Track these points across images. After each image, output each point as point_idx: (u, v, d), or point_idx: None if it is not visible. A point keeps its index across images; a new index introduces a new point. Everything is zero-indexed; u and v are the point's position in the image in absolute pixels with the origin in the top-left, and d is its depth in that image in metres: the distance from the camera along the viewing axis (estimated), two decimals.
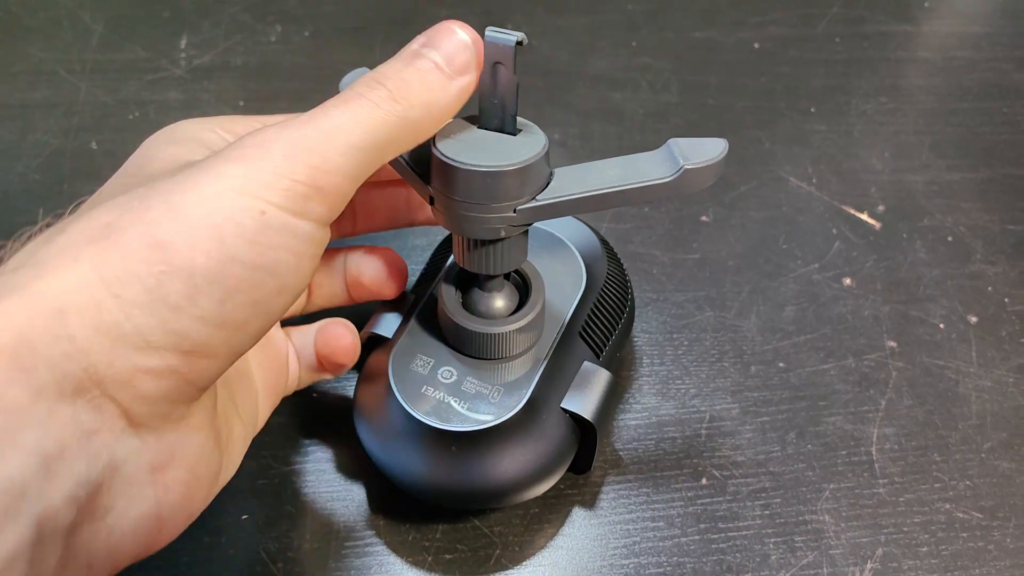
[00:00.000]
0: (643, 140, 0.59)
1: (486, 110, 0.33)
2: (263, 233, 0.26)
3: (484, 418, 0.36)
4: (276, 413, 0.43)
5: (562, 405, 0.37)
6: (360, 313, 0.42)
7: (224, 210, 0.26)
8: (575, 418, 0.38)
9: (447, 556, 0.39)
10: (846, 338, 0.47)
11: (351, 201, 0.38)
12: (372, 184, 0.39)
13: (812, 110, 0.62)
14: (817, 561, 0.39)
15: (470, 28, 0.31)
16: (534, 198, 0.33)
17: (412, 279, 0.44)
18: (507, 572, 0.39)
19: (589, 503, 0.41)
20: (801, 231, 0.53)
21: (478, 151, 0.31)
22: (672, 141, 0.33)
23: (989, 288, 0.50)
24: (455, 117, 0.32)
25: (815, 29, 0.69)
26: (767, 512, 0.40)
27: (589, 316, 0.40)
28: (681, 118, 0.61)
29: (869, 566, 0.39)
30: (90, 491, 0.25)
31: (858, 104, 0.62)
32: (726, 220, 0.54)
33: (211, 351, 0.26)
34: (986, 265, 0.51)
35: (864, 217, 0.54)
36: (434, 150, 0.32)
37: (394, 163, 0.34)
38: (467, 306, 0.38)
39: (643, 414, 0.44)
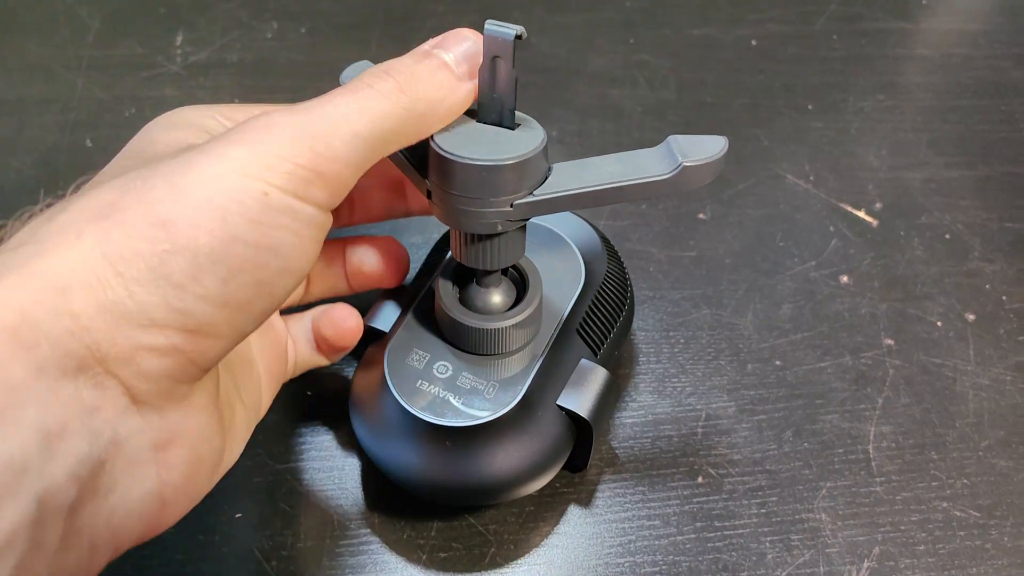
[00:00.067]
0: (641, 137, 0.59)
1: (485, 104, 0.32)
2: (266, 213, 0.26)
3: (479, 414, 0.36)
4: (270, 410, 0.43)
5: (558, 402, 0.37)
6: (356, 304, 0.41)
7: (227, 190, 0.26)
8: (571, 416, 0.37)
9: (442, 554, 0.39)
10: (843, 336, 0.47)
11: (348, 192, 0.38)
12: (370, 174, 0.39)
13: (810, 107, 0.62)
14: (814, 560, 0.39)
15: (481, 35, 0.31)
16: (531, 193, 0.32)
17: (411, 274, 0.43)
18: (502, 570, 0.38)
19: (585, 501, 0.41)
20: (798, 229, 0.53)
21: (476, 145, 0.31)
22: (672, 138, 0.33)
23: (987, 286, 0.50)
24: None
25: (813, 26, 0.69)
26: (763, 511, 0.40)
27: (587, 313, 0.40)
28: (679, 115, 0.61)
29: (866, 565, 0.39)
30: (92, 469, 0.25)
31: (856, 101, 0.62)
32: (723, 218, 0.54)
33: (214, 330, 0.26)
34: (984, 263, 0.51)
35: (861, 215, 0.54)
36: (432, 143, 0.32)
37: (392, 156, 0.34)
38: (464, 301, 0.38)
39: (639, 412, 0.44)
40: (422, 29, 0.66)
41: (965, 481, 0.42)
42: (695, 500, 0.41)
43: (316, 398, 0.44)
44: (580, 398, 0.37)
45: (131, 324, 0.25)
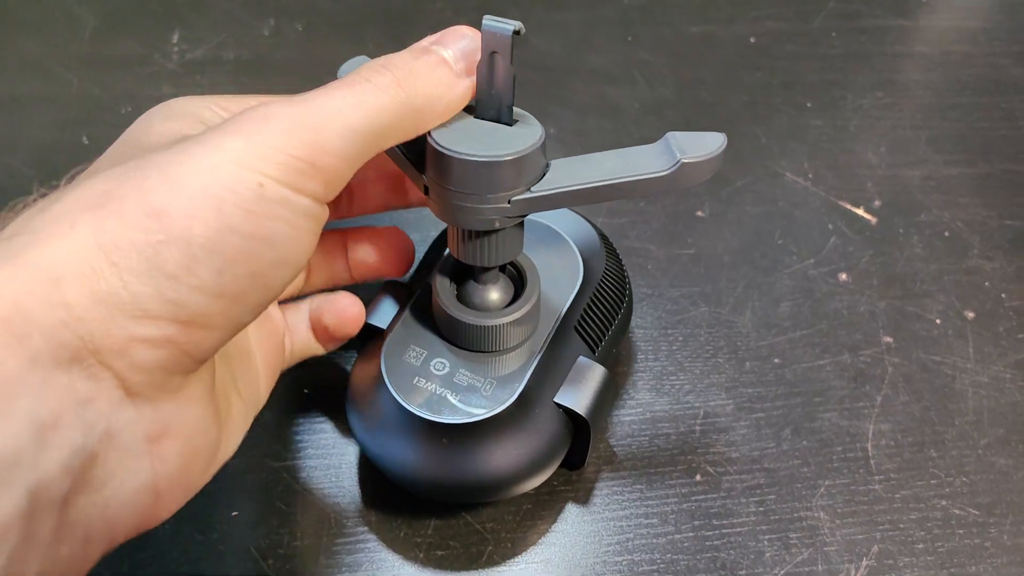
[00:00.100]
0: (639, 135, 0.59)
1: (482, 99, 0.32)
2: (261, 204, 0.26)
3: (476, 411, 0.35)
4: (267, 408, 0.42)
5: (556, 400, 0.37)
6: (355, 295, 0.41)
7: (222, 180, 0.26)
8: (569, 413, 0.37)
9: (439, 552, 0.39)
10: (842, 334, 0.47)
11: (347, 184, 0.38)
12: (369, 167, 0.39)
13: (808, 105, 0.61)
14: (812, 558, 0.39)
15: (479, 32, 0.31)
16: (529, 189, 0.32)
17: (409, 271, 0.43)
18: (499, 568, 0.38)
19: (582, 499, 0.40)
20: (797, 226, 0.53)
21: (473, 141, 0.31)
22: (670, 134, 0.33)
23: (986, 283, 0.50)
24: None
25: (811, 24, 0.68)
26: (762, 509, 0.40)
27: (585, 311, 0.40)
28: (677, 113, 0.61)
29: (864, 563, 0.39)
30: (85, 461, 0.25)
31: (854, 99, 0.62)
32: (722, 215, 0.53)
33: (209, 322, 0.26)
34: (983, 260, 0.51)
35: (860, 212, 0.54)
36: (429, 139, 0.31)
37: (389, 151, 0.34)
38: (462, 298, 0.38)
39: (637, 410, 0.44)
40: (420, 27, 0.65)
41: (964, 479, 0.41)
42: (693, 498, 0.41)
43: (313, 396, 0.44)
44: (578, 396, 0.37)
45: (125, 315, 0.24)
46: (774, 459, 0.42)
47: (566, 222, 0.43)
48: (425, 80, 0.30)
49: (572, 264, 0.41)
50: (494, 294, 0.37)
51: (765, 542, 0.39)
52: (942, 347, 0.47)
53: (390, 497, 0.40)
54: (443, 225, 0.45)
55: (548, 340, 0.38)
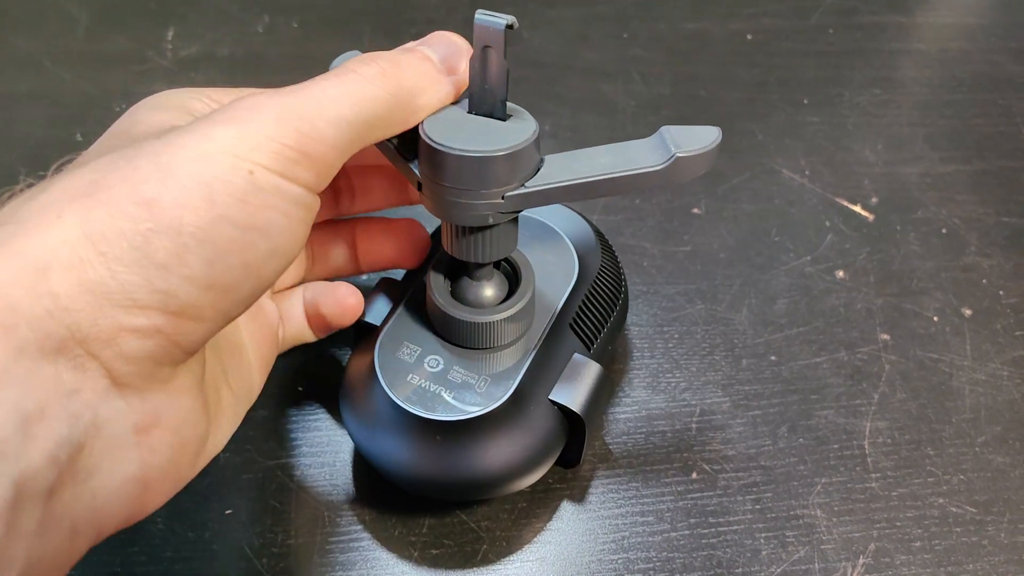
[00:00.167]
0: (635, 132, 0.59)
1: (476, 94, 0.32)
2: (253, 193, 0.26)
3: (470, 408, 0.35)
4: (260, 407, 0.42)
5: (550, 397, 0.37)
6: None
7: (214, 169, 0.26)
8: (564, 410, 0.37)
9: (433, 551, 0.38)
10: (839, 331, 0.47)
11: (349, 180, 0.39)
12: (369, 163, 0.39)
13: (805, 102, 0.61)
14: (809, 556, 0.38)
15: (463, 38, 0.33)
16: (523, 184, 0.32)
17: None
18: (494, 567, 0.38)
19: (578, 497, 0.40)
20: (793, 223, 0.53)
21: (466, 136, 0.31)
22: (664, 129, 0.32)
23: (983, 281, 0.50)
24: None
25: (808, 20, 0.68)
26: (758, 507, 0.40)
27: (580, 308, 0.40)
28: (673, 110, 0.60)
29: (861, 561, 0.38)
30: (71, 452, 0.24)
31: (851, 96, 0.62)
32: (718, 212, 0.53)
33: (198, 313, 0.26)
34: (980, 258, 0.51)
35: (857, 209, 0.54)
36: (422, 134, 0.31)
37: (382, 147, 0.34)
38: (456, 295, 0.37)
39: (633, 408, 0.44)
40: (415, 23, 0.66)
41: (961, 477, 0.41)
42: (689, 496, 0.40)
43: (307, 393, 0.44)
44: (573, 393, 0.37)
45: (113, 305, 0.24)
46: (770, 457, 0.42)
47: (561, 218, 0.43)
48: (411, 73, 0.31)
49: (567, 260, 0.41)
50: (488, 291, 0.37)
51: (761, 540, 0.39)
52: (939, 344, 0.47)
53: (384, 495, 0.40)
54: (436, 220, 0.44)
55: (543, 337, 0.38)
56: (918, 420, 0.43)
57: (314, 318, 0.39)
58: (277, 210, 0.27)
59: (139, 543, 0.38)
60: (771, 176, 0.56)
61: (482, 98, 0.32)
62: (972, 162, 0.57)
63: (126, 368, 0.25)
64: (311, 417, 0.43)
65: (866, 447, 0.42)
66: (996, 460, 0.42)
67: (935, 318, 0.48)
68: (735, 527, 0.39)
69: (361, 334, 0.40)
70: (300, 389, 0.44)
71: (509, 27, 0.30)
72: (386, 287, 0.41)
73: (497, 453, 0.35)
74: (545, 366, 0.37)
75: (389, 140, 0.33)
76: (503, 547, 0.39)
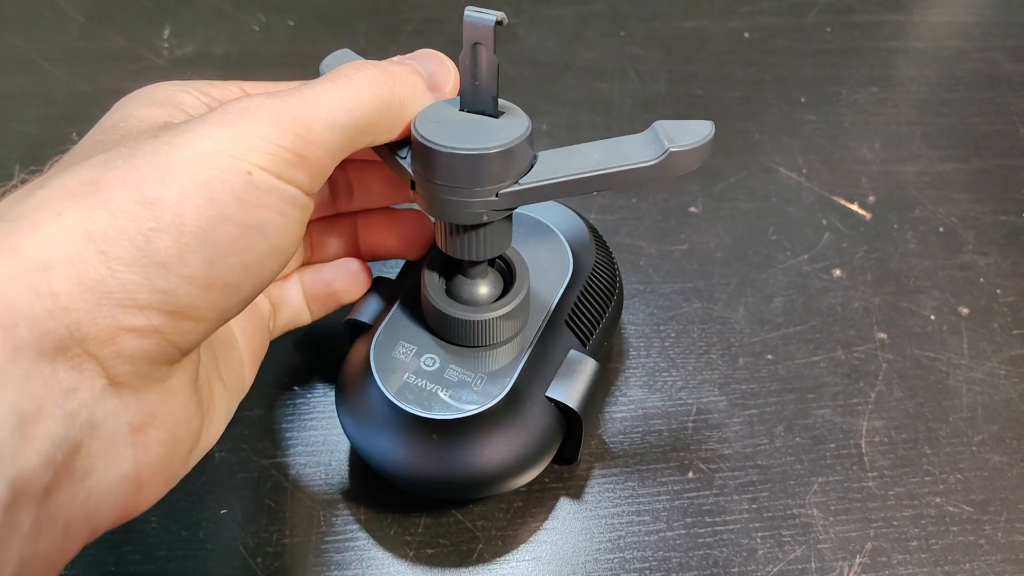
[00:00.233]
0: (631, 130, 0.58)
1: (467, 92, 0.32)
2: (251, 192, 0.26)
3: (466, 406, 0.35)
4: (255, 406, 0.42)
5: (547, 394, 0.37)
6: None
7: (213, 169, 0.26)
8: (560, 407, 0.37)
9: (429, 551, 0.38)
10: (836, 330, 0.47)
11: (347, 177, 0.38)
12: (367, 160, 0.39)
13: (802, 100, 0.61)
14: (805, 555, 0.38)
15: (450, 59, 0.34)
16: (517, 182, 0.32)
17: (399, 267, 0.43)
18: (490, 566, 0.38)
19: (574, 496, 0.40)
20: (791, 222, 0.53)
21: (459, 133, 0.31)
22: (658, 123, 0.32)
23: (981, 279, 0.50)
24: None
25: (805, 19, 0.68)
26: (754, 506, 0.40)
27: (576, 304, 0.40)
28: (669, 108, 0.60)
29: (858, 560, 0.38)
30: (67, 452, 0.24)
31: (849, 94, 0.62)
32: (715, 211, 0.53)
33: (197, 313, 0.26)
34: (978, 256, 0.51)
35: (854, 208, 0.54)
36: (414, 132, 0.31)
37: (375, 147, 0.34)
38: (451, 293, 0.37)
39: (629, 407, 0.43)
40: (410, 21, 0.66)
41: (958, 476, 0.41)
42: (686, 495, 0.40)
43: (301, 392, 0.43)
44: (569, 389, 0.37)
45: (112, 304, 0.24)
46: (767, 456, 0.42)
47: (555, 215, 0.43)
48: (402, 83, 0.31)
49: (562, 257, 0.41)
50: (483, 288, 0.37)
51: (758, 539, 0.39)
52: (936, 343, 0.46)
53: (380, 494, 0.40)
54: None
55: (538, 334, 0.38)
56: (915, 419, 0.43)
57: (320, 298, 0.40)
58: (274, 209, 0.27)
59: (133, 542, 0.38)
60: (768, 175, 0.56)
61: (473, 95, 0.32)
62: (969, 161, 0.57)
63: (123, 367, 0.25)
64: (306, 416, 0.43)
65: (863, 446, 0.42)
66: (993, 459, 0.42)
67: (932, 317, 0.48)
68: (731, 526, 0.39)
69: (356, 333, 0.40)
70: (295, 388, 0.44)
71: (498, 23, 0.30)
72: (380, 286, 0.41)
73: (494, 451, 0.35)
74: (541, 363, 0.37)
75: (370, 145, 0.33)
76: (499, 546, 0.38)
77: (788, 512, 0.40)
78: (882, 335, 0.47)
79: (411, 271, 0.41)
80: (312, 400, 0.43)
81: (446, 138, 0.31)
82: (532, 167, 0.32)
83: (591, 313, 0.40)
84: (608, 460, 0.41)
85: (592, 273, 0.41)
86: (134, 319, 0.25)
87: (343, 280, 0.40)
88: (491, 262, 0.38)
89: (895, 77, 0.64)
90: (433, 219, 0.36)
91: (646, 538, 0.39)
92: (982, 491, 0.41)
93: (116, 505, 0.27)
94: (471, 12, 0.30)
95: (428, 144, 0.31)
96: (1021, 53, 0.66)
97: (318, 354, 0.45)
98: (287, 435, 0.42)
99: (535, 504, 0.40)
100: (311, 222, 0.31)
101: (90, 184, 0.25)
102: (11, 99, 0.60)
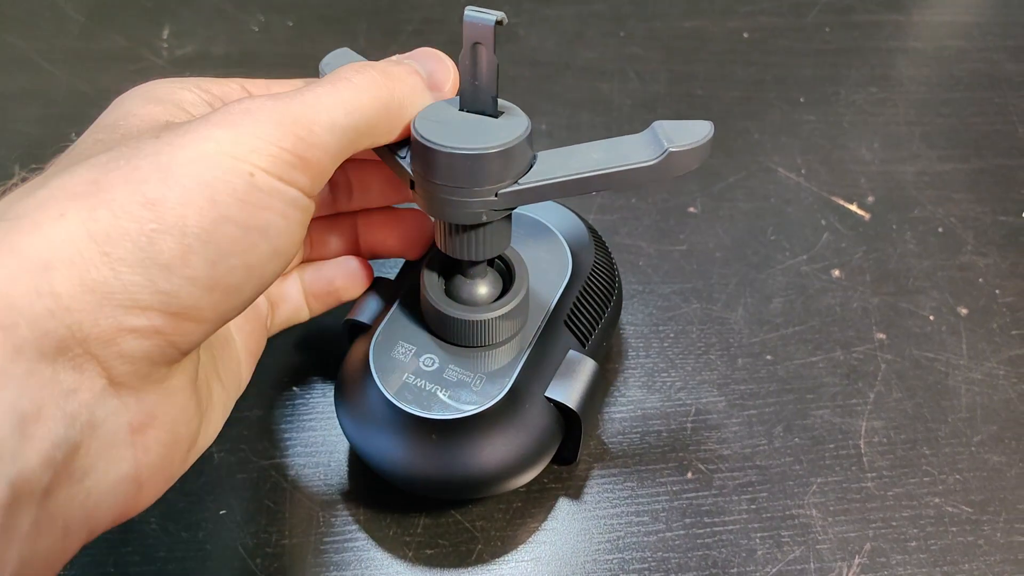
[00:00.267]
0: (631, 131, 0.57)
1: (467, 91, 0.32)
2: (253, 194, 0.26)
3: (465, 406, 0.35)
4: (254, 406, 0.42)
5: (546, 394, 0.37)
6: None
7: (214, 170, 0.26)
8: (560, 407, 0.37)
9: (428, 551, 0.38)
10: (835, 330, 0.47)
11: (347, 177, 0.39)
12: (367, 160, 0.39)
13: (802, 100, 0.61)
14: (804, 556, 0.38)
15: (449, 58, 0.34)
16: (516, 182, 0.32)
17: (398, 266, 0.43)
18: (489, 567, 0.38)
19: (573, 497, 0.40)
20: (790, 222, 0.53)
21: (458, 133, 0.31)
22: (657, 124, 0.32)
23: (980, 280, 0.50)
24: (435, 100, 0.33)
25: (805, 19, 0.68)
26: (753, 506, 0.40)
27: (575, 304, 0.40)
28: (669, 108, 0.60)
29: (857, 561, 0.38)
30: (67, 453, 0.24)
31: (848, 94, 0.62)
32: (714, 211, 0.53)
33: (199, 315, 0.26)
34: (977, 256, 0.51)
35: (854, 208, 0.54)
36: (413, 132, 0.31)
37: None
38: (450, 293, 0.37)
39: (628, 407, 0.43)
40: (410, 21, 0.66)
41: (957, 476, 0.41)
42: (684, 496, 0.40)
43: (301, 393, 0.43)
44: (568, 389, 0.37)
45: (114, 304, 0.24)
46: (766, 456, 0.42)
47: (554, 215, 0.43)
48: (401, 84, 0.31)
49: (561, 257, 0.41)
50: (482, 288, 0.37)
51: (757, 540, 0.39)
52: (935, 343, 0.46)
53: (379, 495, 0.40)
54: None
55: (538, 334, 0.38)
56: (914, 419, 0.43)
57: (320, 295, 0.40)
58: (276, 211, 0.27)
59: (133, 543, 0.38)
60: (767, 175, 0.56)
61: (473, 95, 0.32)
62: (969, 161, 0.57)
63: (124, 368, 0.25)
64: (305, 417, 0.43)
65: (862, 447, 0.42)
66: (992, 459, 0.42)
67: (931, 317, 0.48)
68: (730, 527, 0.39)
69: (355, 333, 0.40)
70: (295, 389, 0.44)
71: (498, 23, 0.30)
72: (379, 286, 0.41)
73: (493, 451, 0.35)
74: (540, 363, 0.37)
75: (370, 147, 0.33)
76: (498, 547, 0.38)
77: (787, 512, 0.40)
78: (881, 335, 0.47)
79: (410, 271, 0.41)
80: (311, 401, 0.43)
81: (445, 138, 0.31)
82: (531, 167, 0.32)
83: (590, 313, 0.40)
84: (607, 460, 0.41)
85: (591, 273, 0.41)
86: (136, 320, 0.25)
87: (344, 278, 0.40)
88: (490, 262, 0.38)
89: (894, 77, 0.64)
90: (432, 219, 0.36)
91: (645, 539, 0.39)
92: (981, 491, 0.41)
93: (116, 505, 0.27)
94: (471, 12, 0.30)
95: (427, 144, 0.31)
96: (1021, 53, 0.66)
97: (317, 355, 0.45)
98: (286, 436, 0.42)
99: (534, 504, 0.40)
100: (311, 221, 0.31)
101: (91, 184, 0.25)
102: (11, 99, 0.60)
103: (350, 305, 0.40)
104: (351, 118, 0.29)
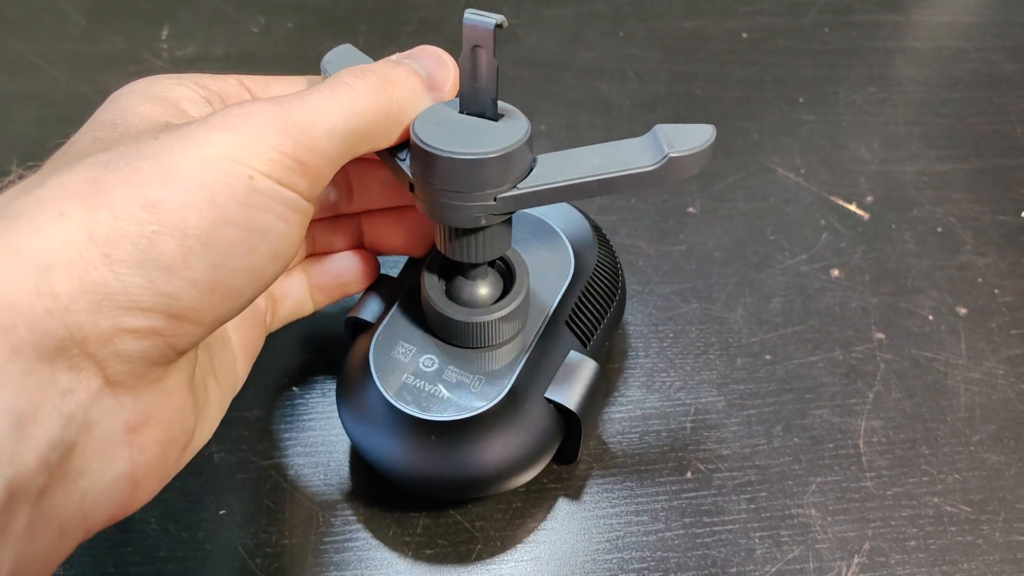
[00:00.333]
0: (631, 131, 0.58)
1: (466, 94, 0.32)
2: (253, 196, 0.27)
3: (464, 408, 0.35)
4: (254, 406, 0.42)
5: (546, 395, 0.37)
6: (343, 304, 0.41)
7: (214, 173, 0.26)
8: (560, 409, 0.37)
9: (428, 551, 0.38)
10: (834, 330, 0.47)
11: (348, 179, 0.39)
12: (367, 161, 0.39)
13: (801, 100, 0.61)
14: (803, 555, 0.38)
15: (449, 55, 0.33)
16: (515, 186, 0.32)
17: (398, 266, 0.43)
18: (488, 566, 0.38)
19: (572, 496, 0.40)
20: (789, 222, 0.53)
21: (458, 137, 0.31)
22: (658, 127, 0.32)
23: (979, 279, 0.50)
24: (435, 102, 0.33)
25: (804, 19, 0.68)
26: (752, 506, 0.40)
27: (576, 304, 0.40)
28: (669, 109, 0.60)
29: (856, 560, 0.38)
30: (63, 453, 0.24)
31: (847, 94, 0.62)
32: (713, 211, 0.53)
33: (198, 316, 0.26)
34: (976, 256, 0.51)
35: (853, 208, 0.54)
36: (412, 135, 0.31)
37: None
38: (450, 294, 0.37)
39: (627, 407, 0.43)
40: (409, 23, 0.66)
41: (956, 476, 0.41)
42: (684, 495, 0.40)
43: (300, 393, 0.44)
44: (568, 391, 0.37)
45: (113, 305, 0.24)
46: (765, 456, 0.42)
47: (557, 214, 0.43)
48: (401, 88, 0.31)
49: (563, 257, 0.41)
50: (483, 290, 0.37)
51: (756, 539, 0.39)
52: (934, 343, 0.47)
53: (379, 495, 0.40)
54: None
55: (538, 335, 0.38)
56: (913, 419, 0.43)
57: (327, 289, 0.40)
58: (275, 214, 0.27)
59: (132, 543, 0.38)
60: (767, 175, 0.56)
61: (473, 98, 0.32)
62: (968, 160, 0.57)
63: (121, 367, 0.25)
64: (305, 417, 0.43)
65: (861, 446, 0.42)
66: (991, 459, 0.42)
67: (930, 317, 0.48)
68: (730, 526, 0.39)
69: (356, 332, 0.40)
70: (295, 389, 0.44)
71: (498, 26, 0.30)
72: (380, 286, 0.41)
73: (493, 452, 0.35)
74: (541, 364, 0.37)
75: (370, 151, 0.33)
76: (497, 546, 0.39)
77: (786, 512, 0.40)
78: (880, 335, 0.47)
79: (414, 268, 0.41)
80: (311, 401, 0.43)
81: (445, 142, 0.31)
82: (531, 171, 0.32)
83: (592, 313, 0.40)
84: (606, 460, 0.41)
85: (594, 273, 0.41)
86: (135, 321, 0.25)
87: (351, 271, 0.40)
88: (491, 263, 0.38)
89: (893, 77, 0.64)
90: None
91: (644, 538, 0.39)
92: (980, 491, 0.41)
93: (111, 504, 0.27)
94: (471, 15, 0.30)
95: (426, 148, 0.31)
96: (1020, 53, 0.66)
97: (317, 355, 0.45)
98: (286, 436, 0.42)
99: (534, 504, 0.40)
100: (313, 222, 0.31)
101: (91, 184, 0.25)
102: (11, 100, 0.60)
103: (351, 303, 0.40)
104: (350, 123, 0.29)
